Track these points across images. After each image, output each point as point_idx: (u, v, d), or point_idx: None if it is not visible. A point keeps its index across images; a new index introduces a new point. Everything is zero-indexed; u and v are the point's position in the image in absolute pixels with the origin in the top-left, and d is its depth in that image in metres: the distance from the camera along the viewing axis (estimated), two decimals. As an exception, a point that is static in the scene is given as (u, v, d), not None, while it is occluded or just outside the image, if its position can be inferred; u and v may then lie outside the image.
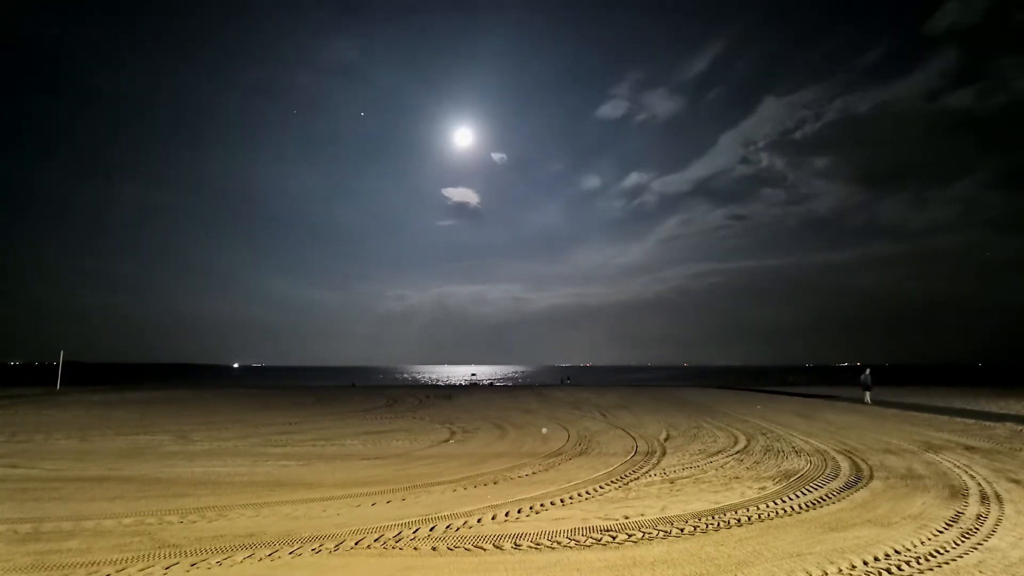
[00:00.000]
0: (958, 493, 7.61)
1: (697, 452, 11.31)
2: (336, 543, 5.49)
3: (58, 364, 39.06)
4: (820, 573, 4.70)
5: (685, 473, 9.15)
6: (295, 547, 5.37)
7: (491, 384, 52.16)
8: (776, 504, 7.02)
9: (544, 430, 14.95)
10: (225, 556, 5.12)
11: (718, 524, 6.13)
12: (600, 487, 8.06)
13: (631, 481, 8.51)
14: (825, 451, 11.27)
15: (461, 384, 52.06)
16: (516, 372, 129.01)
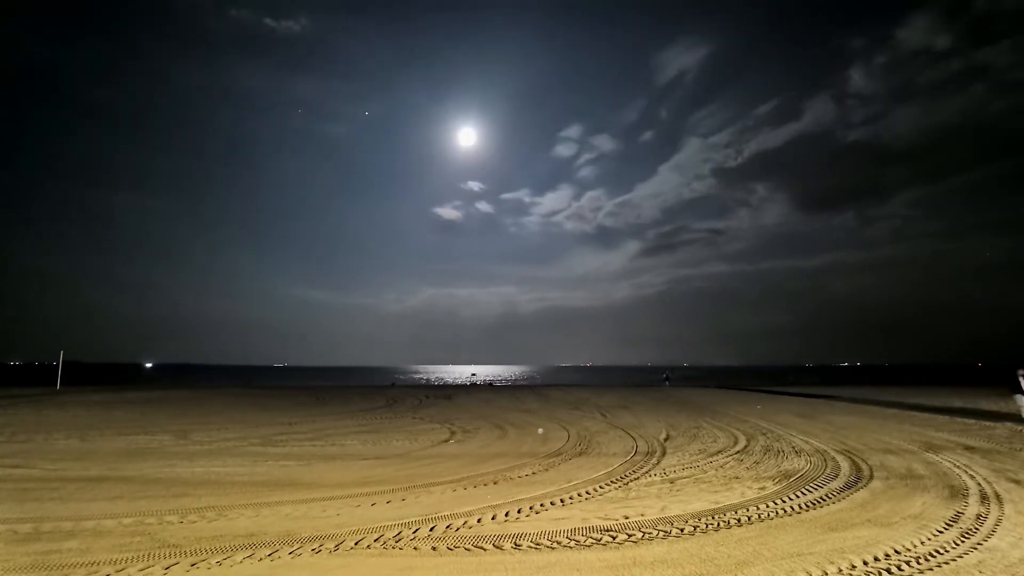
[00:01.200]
0: (958, 493, 7.61)
1: (697, 452, 11.31)
2: (336, 543, 5.49)
3: (58, 364, 39.06)
4: (820, 573, 4.70)
5: (685, 473, 9.15)
6: (295, 547, 5.37)
7: (491, 384, 52.15)
8: (776, 504, 7.02)
9: (540, 430, 14.95)
10: (225, 556, 5.12)
11: (718, 524, 6.13)
12: (600, 487, 8.06)
13: (631, 481, 8.51)
14: (825, 451, 11.27)
15: (461, 384, 52.05)
16: (515, 372, 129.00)
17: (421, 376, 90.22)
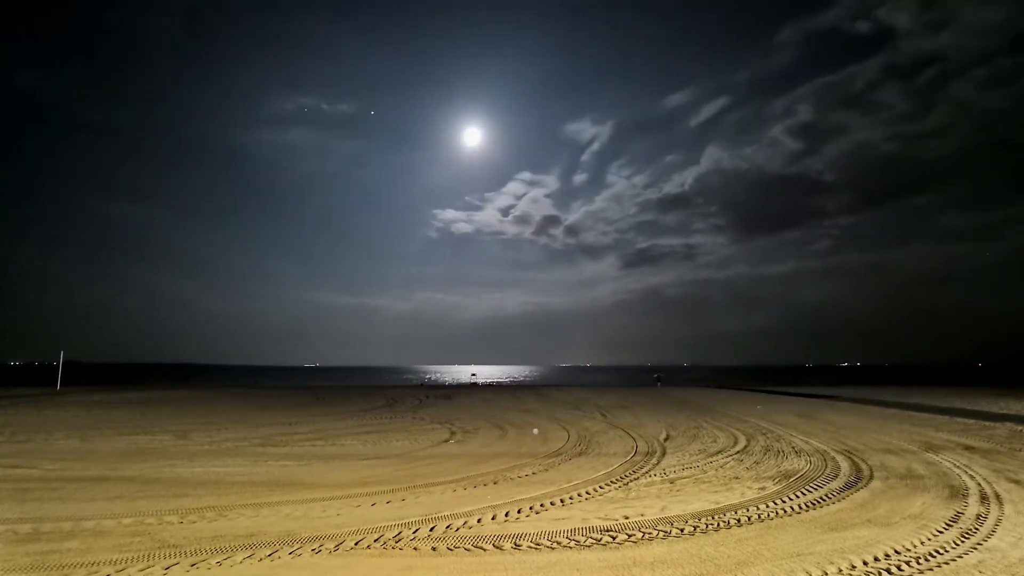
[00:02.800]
0: (958, 493, 7.62)
1: (697, 452, 11.31)
2: (336, 543, 5.49)
3: (58, 364, 39.07)
4: (820, 573, 4.71)
5: (685, 473, 9.15)
6: (295, 547, 5.37)
7: (491, 384, 52.15)
8: (776, 504, 7.02)
9: (535, 430, 14.95)
10: (225, 556, 5.12)
11: (718, 524, 6.13)
12: (600, 487, 8.06)
13: (631, 481, 8.51)
14: (825, 451, 11.27)
15: (461, 384, 52.07)
16: (515, 373, 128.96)
17: (430, 375, 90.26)
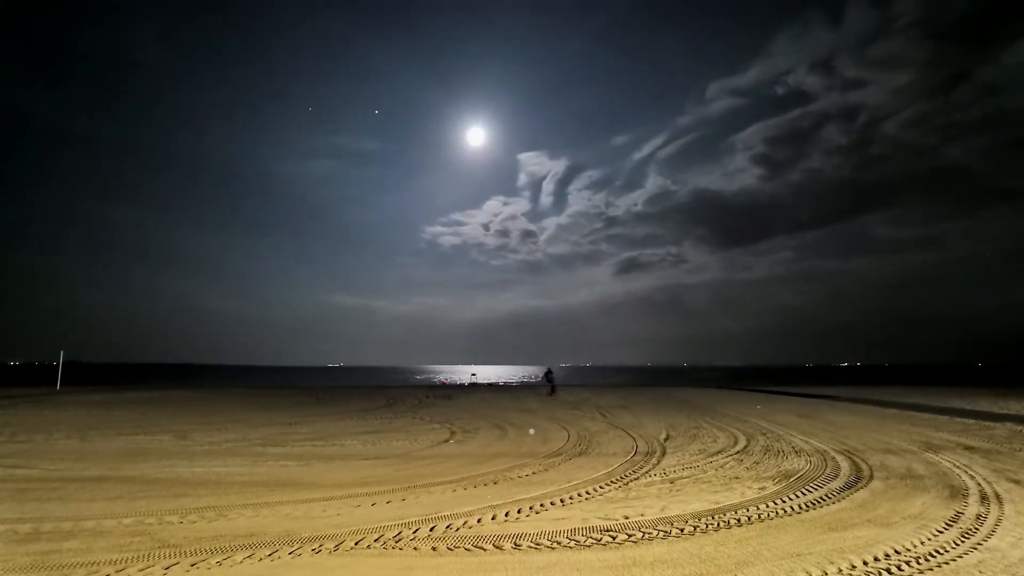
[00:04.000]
0: (958, 493, 7.62)
1: (697, 452, 11.32)
2: (336, 543, 5.49)
3: (58, 364, 39.06)
4: (820, 573, 4.71)
5: (685, 473, 9.15)
6: (295, 547, 5.37)
7: (491, 384, 52.15)
8: (776, 504, 7.02)
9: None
10: (225, 556, 5.12)
11: (718, 524, 6.13)
12: (600, 487, 8.06)
13: (631, 481, 8.51)
14: (825, 451, 11.27)
15: (461, 384, 52.06)
16: (515, 373, 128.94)
17: (444, 376, 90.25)
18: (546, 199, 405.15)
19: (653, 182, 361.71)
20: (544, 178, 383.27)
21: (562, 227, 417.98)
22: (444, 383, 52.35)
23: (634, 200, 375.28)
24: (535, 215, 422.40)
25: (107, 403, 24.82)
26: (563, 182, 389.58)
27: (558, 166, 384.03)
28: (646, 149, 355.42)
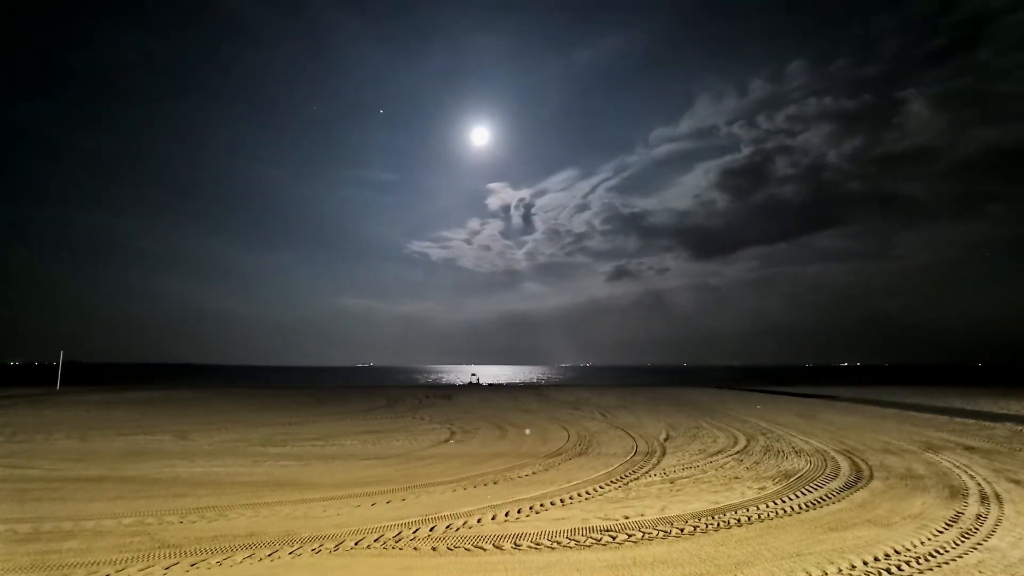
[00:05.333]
0: (958, 493, 7.62)
1: (697, 452, 11.31)
2: (336, 543, 5.49)
3: (58, 364, 39.06)
4: (820, 573, 4.71)
5: (685, 473, 9.15)
6: (295, 547, 5.37)
7: (491, 385, 52.12)
8: (776, 504, 7.02)
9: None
10: (225, 556, 5.12)
11: (718, 524, 6.13)
12: (600, 487, 8.06)
13: (631, 481, 8.51)
14: (825, 451, 11.27)
15: (461, 384, 52.04)
16: (516, 373, 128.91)
17: (404, 376, 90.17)
18: (516, 221, 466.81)
19: (604, 205, 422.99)
20: (511, 204, 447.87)
21: (537, 241, 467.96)
22: (474, 382, 51.91)
23: (587, 219, 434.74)
24: (510, 232, 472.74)
25: (107, 403, 24.82)
26: (528, 206, 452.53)
27: (522, 193, 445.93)
28: (596, 179, 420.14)
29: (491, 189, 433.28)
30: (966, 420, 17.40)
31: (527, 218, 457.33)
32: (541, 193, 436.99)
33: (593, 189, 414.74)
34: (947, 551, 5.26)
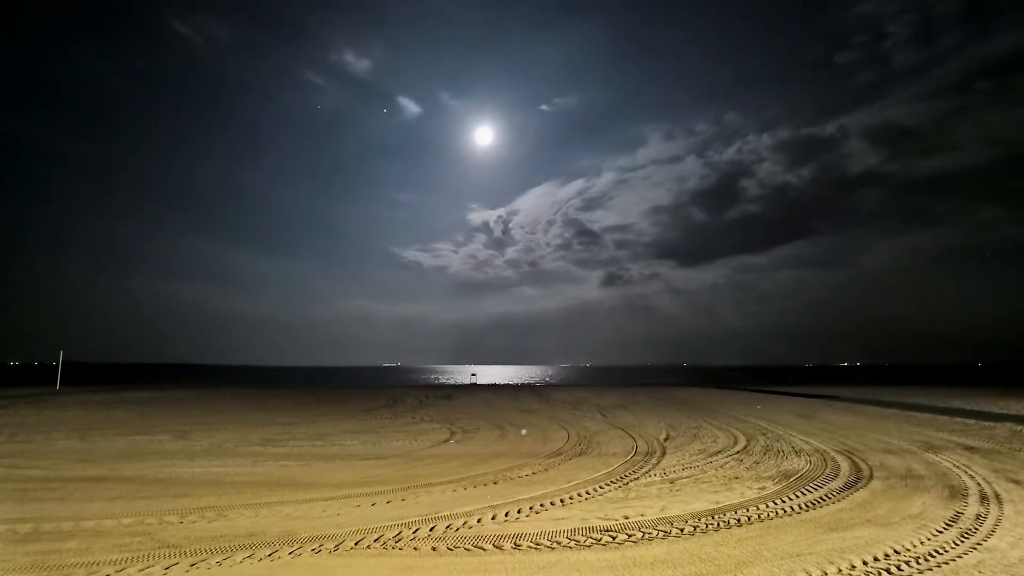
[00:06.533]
0: (958, 493, 7.62)
1: (697, 452, 11.32)
2: (336, 543, 5.49)
3: (58, 364, 39.07)
4: (820, 573, 4.71)
5: (685, 473, 9.15)
6: (295, 547, 5.37)
7: (490, 385, 52.11)
8: (776, 504, 7.02)
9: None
10: (225, 556, 5.12)
11: (718, 524, 6.13)
12: (600, 487, 8.06)
13: (631, 481, 8.51)
14: (825, 451, 11.27)
15: (461, 384, 52.04)
16: (515, 374, 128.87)
17: (404, 377, 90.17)
18: (497, 235, 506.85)
19: (570, 221, 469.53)
20: (490, 221, 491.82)
21: (519, 251, 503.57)
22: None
23: (558, 232, 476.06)
24: (491, 244, 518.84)
25: (107, 403, 24.82)
26: (506, 221, 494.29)
27: (499, 211, 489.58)
28: (565, 197, 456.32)
29: (471, 208, 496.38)
30: (966, 420, 17.40)
31: (506, 232, 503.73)
32: (514, 213, 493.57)
33: (561, 207, 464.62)
34: (947, 551, 5.26)
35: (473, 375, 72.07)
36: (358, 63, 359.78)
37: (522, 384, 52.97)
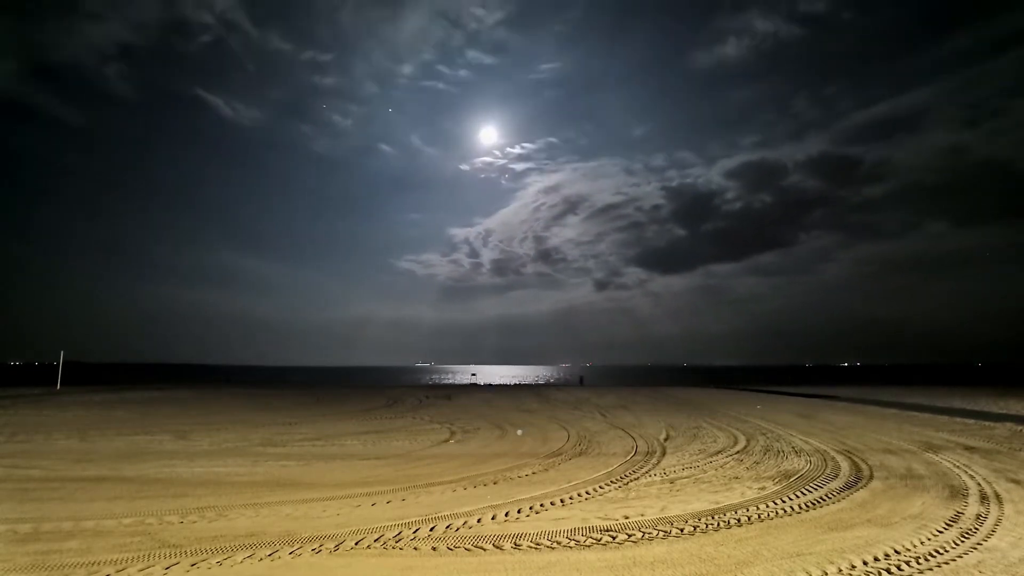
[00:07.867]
0: (958, 493, 7.62)
1: (697, 452, 11.32)
2: (336, 543, 5.49)
3: (58, 364, 39.07)
4: (820, 573, 4.71)
5: (685, 473, 9.15)
6: (295, 547, 5.37)
7: (491, 385, 52.12)
8: (776, 504, 7.02)
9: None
10: (225, 556, 5.12)
11: (718, 524, 6.13)
12: (600, 487, 8.06)
13: (631, 481, 8.51)
14: (825, 451, 11.27)
15: (461, 384, 52.05)
16: (515, 374, 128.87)
17: (404, 377, 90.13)
18: (477, 246, 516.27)
19: (538, 238, 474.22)
20: (468, 238, 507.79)
21: (496, 261, 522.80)
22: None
23: (534, 245, 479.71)
24: (474, 254, 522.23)
25: (107, 403, 24.82)
26: (484, 237, 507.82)
27: (479, 228, 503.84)
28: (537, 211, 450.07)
29: (450, 225, 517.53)
30: (966, 420, 17.40)
31: (485, 244, 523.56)
32: (490, 232, 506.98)
33: (531, 225, 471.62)
34: (947, 551, 5.26)
35: (473, 375, 72.03)
36: (344, 121, 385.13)
37: (522, 384, 52.97)
